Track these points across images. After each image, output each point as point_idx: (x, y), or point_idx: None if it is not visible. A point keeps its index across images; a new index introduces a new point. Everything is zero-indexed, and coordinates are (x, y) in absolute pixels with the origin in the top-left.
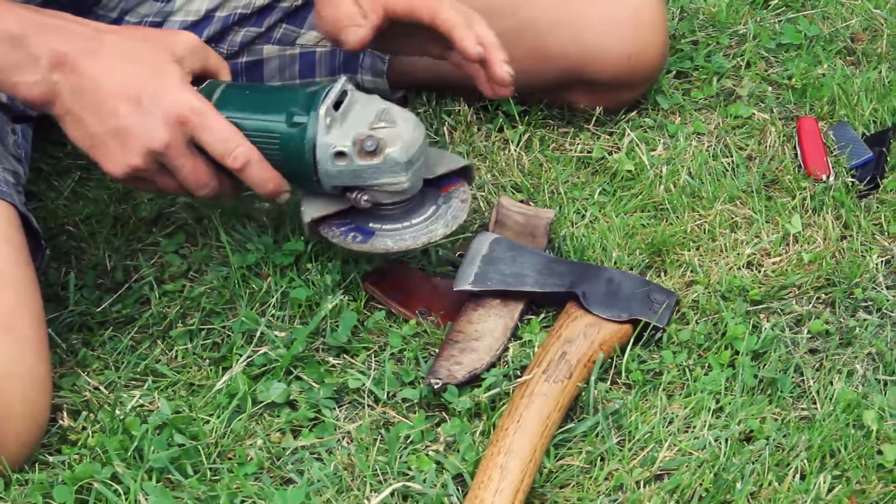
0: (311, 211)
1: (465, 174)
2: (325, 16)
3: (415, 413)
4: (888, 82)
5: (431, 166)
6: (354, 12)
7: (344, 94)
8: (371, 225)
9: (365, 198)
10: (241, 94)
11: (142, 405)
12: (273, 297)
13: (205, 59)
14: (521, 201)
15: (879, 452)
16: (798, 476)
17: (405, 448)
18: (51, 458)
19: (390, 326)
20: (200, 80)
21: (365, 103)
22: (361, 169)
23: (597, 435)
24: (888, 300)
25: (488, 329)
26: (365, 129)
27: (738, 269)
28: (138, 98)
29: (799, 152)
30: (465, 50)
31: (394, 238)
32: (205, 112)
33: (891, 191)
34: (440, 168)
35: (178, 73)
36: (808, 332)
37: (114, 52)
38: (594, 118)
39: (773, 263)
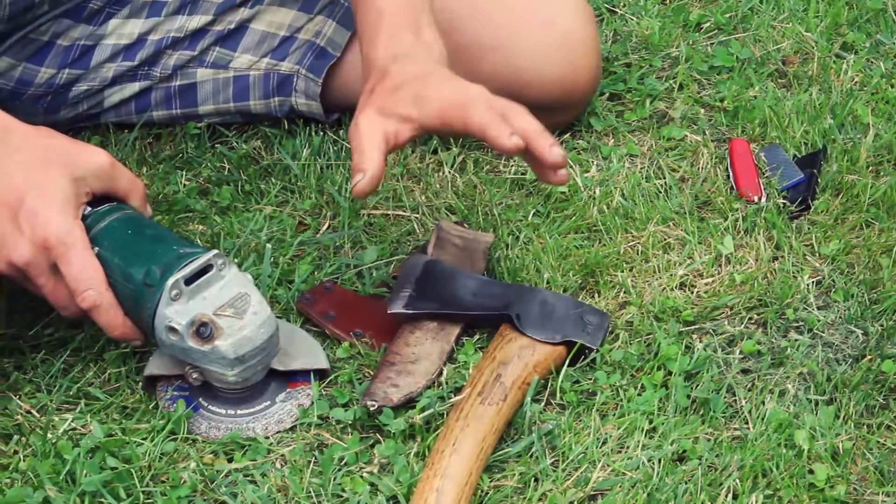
0: (152, 366)
1: (321, 375)
2: (352, 124)
3: (349, 435)
4: (819, 104)
5: (290, 356)
6: (366, 143)
7: (209, 268)
8: (200, 399)
9: (194, 375)
10: (122, 233)
11: (74, 428)
12: None
13: (111, 182)
14: (457, 223)
15: (811, 472)
16: (731, 496)
17: (339, 470)
18: None
19: (326, 350)
20: (106, 199)
21: (227, 283)
22: (190, 350)
23: (531, 456)
24: (819, 320)
25: (425, 352)
26: (209, 312)
27: (671, 289)
28: (16, 209)
29: (731, 174)
30: (501, 148)
31: (209, 423)
32: (70, 244)
33: (822, 212)
34: (297, 363)
35: (65, 193)
36: (741, 352)
37: (12, 155)
38: None
39: (706, 284)
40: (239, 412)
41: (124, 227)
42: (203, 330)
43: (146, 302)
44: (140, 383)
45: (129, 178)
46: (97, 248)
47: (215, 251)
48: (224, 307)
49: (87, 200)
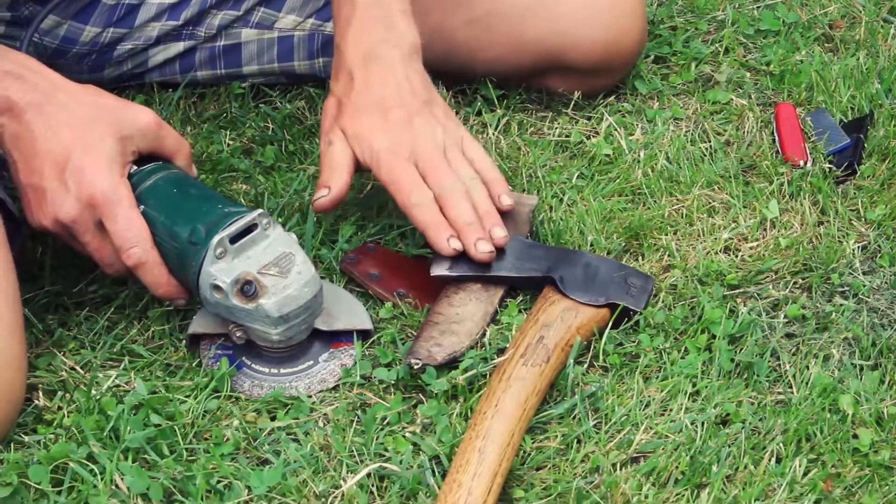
0: (196, 325)
1: (364, 335)
2: (320, 147)
3: (391, 395)
4: (866, 69)
5: (333, 316)
6: (337, 162)
7: (253, 227)
8: (244, 358)
9: (238, 333)
10: (167, 192)
11: (118, 385)
12: None
13: (157, 141)
14: None
15: (855, 436)
16: (774, 459)
17: (382, 429)
18: (26, 438)
19: (370, 309)
20: (151, 158)
21: (272, 243)
22: (234, 308)
23: (574, 417)
24: (864, 285)
25: (469, 313)
26: (253, 271)
27: (716, 253)
28: (63, 166)
29: (777, 138)
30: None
31: (252, 382)
32: (116, 202)
33: (867, 177)
34: (340, 323)
35: (112, 151)
36: (785, 316)
37: (59, 112)
38: (572, 102)
39: (751, 248)
40: (282, 371)
41: (170, 185)
42: (247, 288)
43: (191, 260)
44: (183, 341)
45: (175, 137)
46: (143, 207)
47: (260, 210)
48: (268, 266)
49: (132, 159)
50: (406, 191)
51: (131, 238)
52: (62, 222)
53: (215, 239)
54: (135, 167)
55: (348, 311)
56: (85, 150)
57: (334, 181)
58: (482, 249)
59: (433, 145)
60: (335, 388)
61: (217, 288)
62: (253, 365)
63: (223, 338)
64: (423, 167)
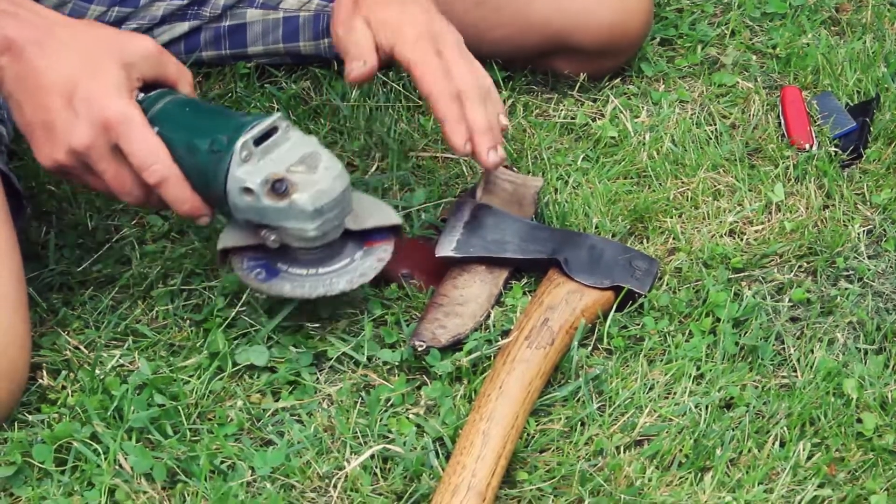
0: (226, 240)
1: (395, 231)
2: (337, 35)
3: (395, 376)
4: (872, 52)
5: (361, 217)
6: (364, 43)
7: (274, 129)
8: (279, 265)
9: (272, 237)
10: (179, 111)
11: (122, 365)
12: None
13: (160, 67)
14: (506, 167)
15: (859, 421)
16: (778, 443)
17: (385, 411)
18: (30, 417)
19: (373, 290)
20: (154, 86)
21: (294, 144)
22: (267, 209)
23: (578, 400)
24: (869, 269)
25: (473, 295)
26: (281, 170)
27: (721, 236)
28: (70, 96)
29: (782, 121)
30: (452, 147)
31: (293, 284)
32: (130, 122)
33: (873, 161)
34: (370, 221)
35: (118, 77)
36: (790, 300)
37: (60, 46)
38: (578, 85)
39: (756, 231)
40: (321, 271)
41: (181, 106)
42: (278, 186)
43: (215, 169)
44: (215, 260)
45: (177, 64)
46: (156, 129)
47: (279, 114)
48: (295, 164)
49: (138, 86)
50: (433, 75)
51: (150, 155)
52: (77, 151)
53: (239, 142)
54: (141, 94)
55: (376, 211)
56: (91, 77)
57: (367, 57)
58: (493, 158)
59: (456, 42)
60: (338, 370)
61: (247, 191)
62: (290, 269)
63: (254, 249)
64: (448, 59)
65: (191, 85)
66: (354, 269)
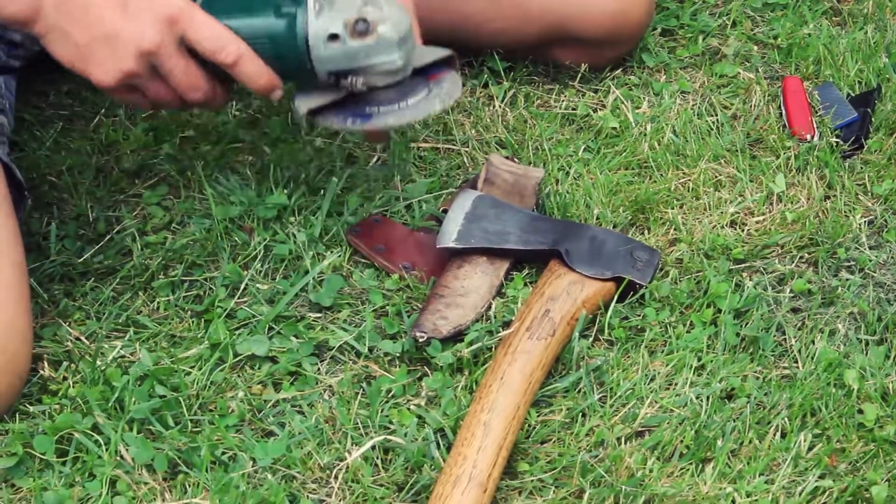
0: (307, 103)
1: (450, 63)
2: None
3: (396, 367)
4: (873, 43)
5: (418, 56)
6: None
7: None
8: (367, 110)
9: (360, 81)
10: None
11: (123, 356)
12: (256, 250)
13: None
14: (507, 157)
15: (860, 412)
16: (779, 434)
17: (387, 402)
18: (31, 408)
19: (375, 281)
20: None
21: None
22: (355, 50)
23: (579, 391)
24: (871, 260)
25: (474, 286)
26: (354, 13)
27: (722, 227)
28: (124, 3)
29: (784, 112)
30: None
31: (393, 116)
32: (193, 10)
33: (875, 151)
34: (428, 57)
35: None
36: (791, 291)
37: None
38: (579, 75)
39: (757, 222)
40: (409, 102)
41: None
42: (360, 26)
43: (291, 30)
44: (302, 126)
45: None
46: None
47: None
48: (361, 6)
49: None
50: None
51: (220, 37)
52: (147, 52)
53: None
54: None
55: (426, 50)
56: None
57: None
58: None
59: None
60: (340, 361)
61: (333, 38)
62: (380, 109)
63: (335, 106)
64: None
65: None
66: (438, 94)
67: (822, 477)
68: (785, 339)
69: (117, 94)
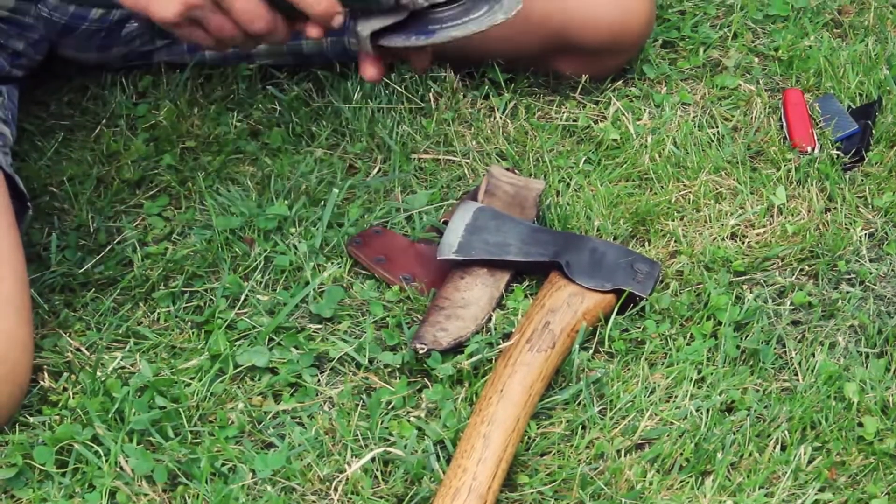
0: (368, 26)
1: None
2: None
3: (397, 379)
4: (874, 55)
5: None
6: None
7: None
8: (430, 28)
9: None
10: None
11: (123, 367)
12: (257, 261)
13: None
14: (508, 169)
15: (860, 425)
16: (779, 447)
17: (386, 413)
18: (31, 419)
19: (375, 292)
20: None
21: None
22: None
23: (579, 403)
24: (871, 273)
25: (474, 297)
26: None
27: (722, 239)
28: None
29: (784, 124)
30: None
31: (457, 29)
32: None
33: (875, 164)
34: None
35: None
36: (791, 303)
37: None
38: (580, 86)
39: (757, 235)
40: (472, 16)
41: None
42: None
43: None
44: (363, 50)
45: None
46: None
47: None
48: None
49: None
50: None
51: None
52: None
53: None
54: None
55: None
56: None
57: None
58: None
59: None
60: (340, 372)
61: None
62: (443, 26)
63: (397, 27)
64: None
65: None
66: (501, 6)
67: (821, 490)
68: (785, 352)
69: (180, 29)
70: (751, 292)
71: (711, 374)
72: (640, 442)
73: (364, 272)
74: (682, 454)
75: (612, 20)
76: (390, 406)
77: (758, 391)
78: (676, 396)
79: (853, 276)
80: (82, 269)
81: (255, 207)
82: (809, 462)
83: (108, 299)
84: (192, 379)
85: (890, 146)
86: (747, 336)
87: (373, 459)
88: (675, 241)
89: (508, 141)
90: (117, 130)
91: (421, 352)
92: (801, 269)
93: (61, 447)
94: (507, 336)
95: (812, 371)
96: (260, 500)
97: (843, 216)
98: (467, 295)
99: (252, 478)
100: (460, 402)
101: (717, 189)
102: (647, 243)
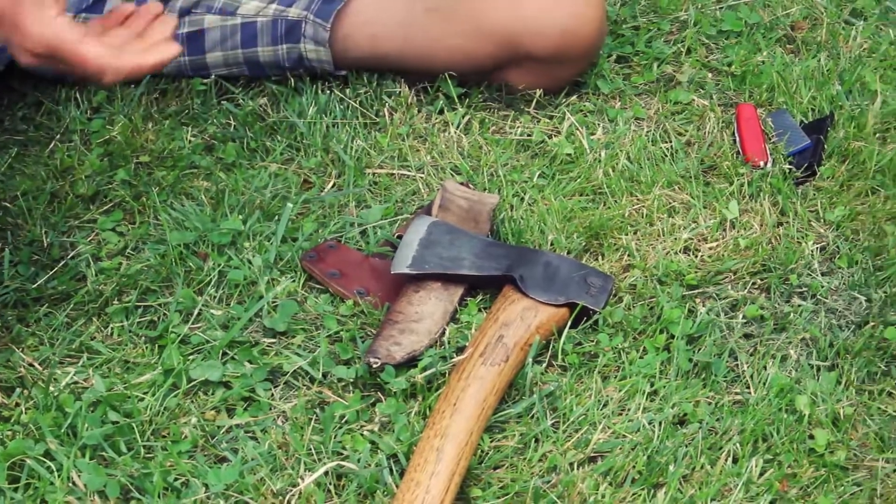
0: None
1: None
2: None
3: (350, 393)
4: (827, 70)
5: None
6: None
7: None
8: None
9: None
10: None
11: (76, 382)
12: (210, 276)
13: None
14: (462, 183)
15: (811, 437)
16: (730, 460)
17: (340, 427)
18: None
19: (329, 306)
20: None
21: None
22: None
23: (532, 417)
24: (823, 286)
25: (428, 311)
26: None
27: (675, 253)
28: None
29: (737, 139)
30: None
31: None
32: None
33: (827, 178)
34: None
35: None
36: (743, 317)
37: None
38: (534, 101)
39: (710, 248)
40: None
41: None
42: None
43: None
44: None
45: None
46: None
47: None
48: None
49: None
50: None
51: None
52: None
53: None
54: None
55: None
56: None
57: None
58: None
59: None
60: (293, 386)
61: None
62: None
63: None
64: None
65: None
66: None
67: (773, 502)
68: (737, 365)
69: (42, 66)
70: (703, 306)
71: (664, 387)
72: (592, 455)
73: (318, 286)
74: (634, 467)
75: (563, 26)
76: (344, 420)
77: (710, 404)
78: (629, 409)
79: (805, 289)
80: (35, 285)
81: (210, 222)
82: (761, 474)
83: (62, 314)
84: (145, 393)
85: (842, 160)
86: (700, 349)
87: (326, 473)
88: (629, 255)
89: (463, 155)
90: (71, 146)
91: (374, 366)
92: (754, 283)
93: (13, 462)
94: (460, 350)
95: (764, 384)
96: None
97: (795, 230)
98: (421, 309)
99: (205, 492)
100: (414, 415)
101: (670, 203)
102: (600, 257)
